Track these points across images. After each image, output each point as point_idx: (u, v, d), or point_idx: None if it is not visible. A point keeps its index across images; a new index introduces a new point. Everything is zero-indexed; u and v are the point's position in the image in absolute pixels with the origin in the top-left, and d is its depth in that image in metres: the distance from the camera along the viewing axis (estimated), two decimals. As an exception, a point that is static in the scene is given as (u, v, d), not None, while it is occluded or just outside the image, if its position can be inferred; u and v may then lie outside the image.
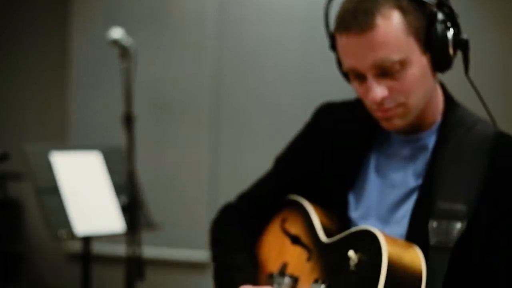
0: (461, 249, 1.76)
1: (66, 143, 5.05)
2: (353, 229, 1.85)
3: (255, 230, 2.16)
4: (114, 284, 4.68)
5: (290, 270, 1.99)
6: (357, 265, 1.74)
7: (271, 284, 2.01)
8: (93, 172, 3.91)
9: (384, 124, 1.86)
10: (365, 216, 1.94)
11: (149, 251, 4.26)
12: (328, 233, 1.94)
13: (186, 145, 4.91)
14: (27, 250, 5.01)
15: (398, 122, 1.84)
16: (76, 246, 4.68)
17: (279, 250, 2.06)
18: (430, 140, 1.90)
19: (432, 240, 1.76)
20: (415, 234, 1.82)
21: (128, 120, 3.77)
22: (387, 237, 1.75)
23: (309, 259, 1.94)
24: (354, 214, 1.96)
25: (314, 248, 1.94)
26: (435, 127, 1.90)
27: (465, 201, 1.78)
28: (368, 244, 1.74)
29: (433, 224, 1.78)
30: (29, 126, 5.31)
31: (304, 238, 1.99)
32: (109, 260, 4.91)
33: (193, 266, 4.93)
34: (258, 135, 4.79)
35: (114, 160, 4.00)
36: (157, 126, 4.96)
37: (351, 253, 1.75)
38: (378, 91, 1.78)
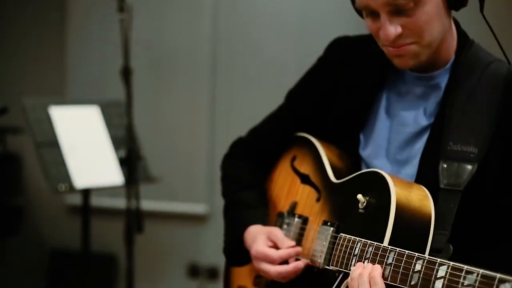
0: (471, 192, 1.76)
1: (65, 98, 5.06)
2: (362, 171, 1.86)
3: (266, 165, 2.18)
4: (114, 236, 4.72)
5: (299, 209, 2.01)
6: (365, 207, 1.76)
7: (281, 223, 2.04)
8: (91, 126, 3.93)
9: (396, 62, 1.84)
10: (375, 154, 1.94)
11: (148, 204, 4.29)
12: (337, 173, 1.95)
13: (184, 98, 4.92)
14: (26, 203, 5.04)
15: (410, 60, 1.82)
16: (76, 199, 4.72)
17: (289, 188, 2.08)
18: (443, 79, 1.88)
19: (442, 182, 1.76)
20: (425, 175, 1.82)
21: (126, 74, 3.78)
22: (395, 179, 1.74)
23: (318, 199, 1.95)
24: (364, 152, 1.96)
25: (324, 188, 1.95)
26: (448, 65, 1.88)
27: (477, 143, 1.77)
28: (376, 187, 1.75)
29: (444, 165, 1.78)
30: (27, 80, 5.30)
31: (313, 177, 2.00)
32: (109, 213, 4.95)
33: (192, 219, 4.97)
34: (256, 88, 4.79)
35: (112, 113, 4.01)
36: (155, 80, 4.96)
37: (359, 196, 1.76)
38: (392, 29, 1.77)
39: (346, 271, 1.74)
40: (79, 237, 3.95)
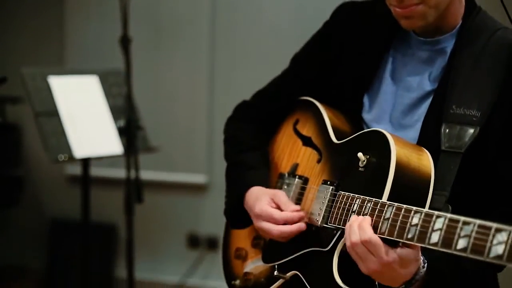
0: (472, 154, 1.77)
1: (64, 67, 5.04)
2: (363, 131, 1.86)
3: (269, 127, 2.18)
4: (113, 206, 4.73)
5: (300, 171, 2.01)
6: (365, 166, 1.76)
7: (281, 184, 2.04)
8: (90, 96, 3.92)
9: (403, 23, 1.83)
10: (378, 118, 1.95)
11: (148, 174, 4.30)
12: (339, 135, 1.95)
13: (184, 67, 4.91)
14: (26, 173, 5.04)
15: (417, 21, 1.81)
16: (75, 169, 4.72)
17: (290, 150, 2.08)
18: (449, 44, 1.88)
19: (444, 145, 1.77)
20: (428, 138, 1.83)
21: (125, 43, 3.76)
22: (396, 138, 1.75)
23: (319, 161, 1.96)
24: (367, 116, 1.97)
25: (325, 149, 1.96)
26: (455, 31, 1.88)
27: (480, 107, 1.77)
28: (377, 145, 1.75)
29: (446, 128, 1.79)
30: (26, 50, 5.28)
31: (315, 139, 2.01)
32: (108, 183, 4.95)
33: (192, 189, 4.98)
34: (255, 57, 4.78)
35: (111, 83, 4.00)
36: (154, 49, 4.94)
37: (360, 154, 1.77)
38: None
39: (344, 227, 1.74)
40: (79, 207, 3.95)
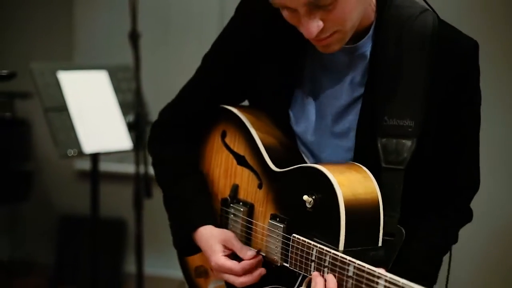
0: (414, 169, 1.73)
1: (73, 63, 5.05)
2: (302, 165, 1.77)
3: (193, 142, 2.05)
4: (122, 201, 4.73)
5: (242, 193, 1.94)
6: (313, 206, 1.70)
7: (227, 213, 1.97)
8: (100, 91, 3.92)
9: (322, 50, 1.75)
10: (310, 130, 1.87)
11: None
12: (275, 158, 1.86)
13: (193, 62, 4.88)
14: (35, 169, 5.05)
15: (335, 47, 1.72)
16: (85, 165, 4.73)
17: (225, 168, 1.99)
18: (367, 47, 1.79)
19: (384, 161, 1.73)
20: (364, 150, 1.77)
21: (134, 38, 3.76)
22: (336, 172, 1.68)
23: (260, 186, 1.88)
24: (298, 128, 1.88)
25: (264, 176, 1.87)
26: (371, 32, 1.79)
27: (412, 115, 1.72)
28: (320, 185, 1.68)
29: (382, 142, 1.73)
30: (36, 45, 5.29)
31: (250, 160, 1.92)
32: (118, 178, 4.96)
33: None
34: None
35: (120, 78, 4.00)
36: (163, 44, 4.94)
37: (305, 197, 1.70)
38: (313, 25, 1.65)
39: (307, 275, 1.70)
40: (88, 202, 3.96)
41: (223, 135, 2.00)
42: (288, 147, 1.90)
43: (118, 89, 3.95)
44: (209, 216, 1.96)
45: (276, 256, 1.80)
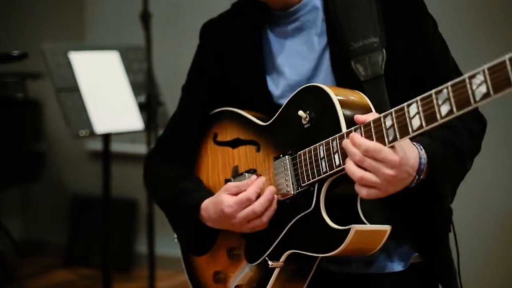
0: (391, 71, 1.81)
1: (84, 43, 5.05)
2: (288, 98, 1.85)
3: (189, 160, 2.10)
4: (134, 182, 4.74)
5: (242, 168, 1.96)
6: (309, 121, 1.76)
7: None
8: (111, 71, 3.93)
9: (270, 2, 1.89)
10: (290, 93, 1.90)
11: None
12: (264, 119, 1.93)
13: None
14: (47, 149, 5.07)
15: None
16: (96, 145, 4.74)
17: (222, 161, 2.03)
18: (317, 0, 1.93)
19: (362, 77, 1.81)
20: (343, 78, 1.84)
21: (146, 19, 3.76)
22: (329, 86, 1.77)
23: (258, 149, 1.92)
24: (280, 99, 1.93)
25: (258, 136, 1.92)
26: None
27: (374, 32, 1.83)
28: (311, 96, 1.77)
29: (355, 63, 1.82)
30: (47, 26, 5.30)
31: (244, 135, 1.97)
32: (129, 159, 4.97)
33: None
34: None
35: (132, 59, 4.00)
36: (174, 24, 4.93)
37: (300, 112, 1.76)
38: None
39: (319, 177, 1.72)
40: (100, 182, 3.98)
41: (215, 137, 2.05)
42: (275, 112, 1.93)
43: (129, 70, 3.96)
44: (209, 195, 1.95)
45: (289, 187, 1.81)
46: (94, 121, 3.73)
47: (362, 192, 1.61)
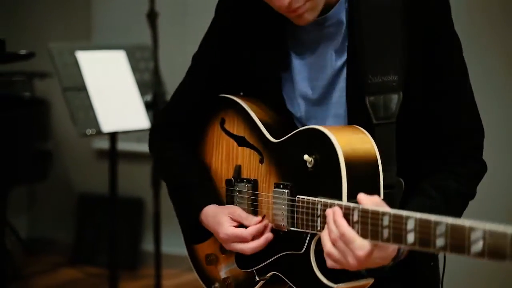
0: (404, 120, 1.77)
1: (91, 42, 5.07)
2: (300, 129, 1.82)
3: (193, 136, 2.09)
4: (141, 180, 4.76)
5: (245, 173, 1.97)
6: (314, 166, 1.74)
7: (231, 192, 1.99)
8: (118, 71, 3.94)
9: (296, 22, 1.79)
10: (303, 107, 1.90)
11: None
12: (273, 132, 1.90)
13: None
14: (54, 148, 5.08)
15: (309, 17, 1.77)
16: (103, 143, 4.75)
17: (227, 152, 2.02)
18: (343, 13, 1.83)
19: (374, 117, 1.77)
20: (356, 113, 1.81)
21: (152, 18, 3.77)
22: (335, 131, 1.73)
23: (261, 161, 1.91)
24: (292, 108, 1.92)
25: (264, 149, 1.91)
26: None
27: (395, 69, 1.76)
28: (319, 144, 1.73)
29: (370, 100, 1.77)
30: (54, 25, 5.31)
31: (249, 138, 1.95)
32: (136, 157, 4.98)
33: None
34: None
35: (138, 58, 4.01)
36: (181, 23, 4.94)
37: (306, 156, 1.74)
38: None
39: (314, 232, 1.73)
40: (107, 181, 3.99)
41: (222, 122, 2.03)
42: (286, 123, 1.93)
43: (136, 69, 3.97)
44: (213, 197, 2.00)
45: (283, 222, 1.82)
46: (101, 120, 3.74)
47: (328, 262, 1.65)
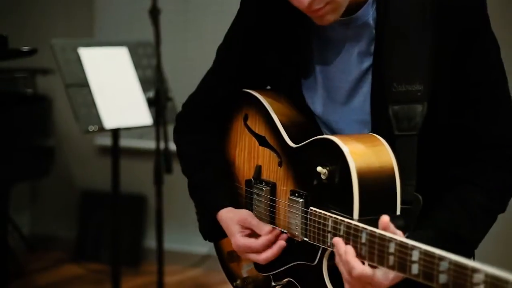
0: (427, 133, 1.72)
1: (94, 39, 5.06)
2: (315, 138, 1.79)
3: (217, 130, 2.09)
4: (143, 177, 4.76)
5: (264, 174, 1.96)
6: (328, 177, 1.71)
7: (251, 193, 1.99)
8: (120, 67, 3.94)
9: (318, 22, 1.75)
10: (326, 109, 1.88)
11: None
12: (293, 135, 1.88)
13: (213, 38, 4.89)
14: (57, 144, 5.08)
15: (330, 18, 1.72)
16: (105, 140, 4.75)
17: (249, 150, 2.02)
18: (370, 15, 1.78)
19: (396, 128, 1.72)
20: (379, 121, 1.77)
21: (155, 14, 3.76)
22: (349, 142, 1.68)
23: (280, 164, 1.90)
24: (313, 107, 1.90)
25: (283, 153, 1.90)
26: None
27: (421, 79, 1.71)
28: (332, 155, 1.69)
29: (393, 109, 1.72)
30: (57, 22, 5.31)
31: (270, 139, 1.94)
32: (138, 154, 4.98)
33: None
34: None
35: (141, 54, 4.01)
36: (183, 20, 4.93)
37: (319, 168, 1.71)
38: None
39: (325, 247, 1.71)
40: (109, 177, 3.99)
41: (245, 118, 2.03)
42: (307, 125, 1.92)
43: (138, 65, 3.97)
44: (229, 198, 2.00)
45: (297, 231, 1.81)
46: (103, 116, 3.74)
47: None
